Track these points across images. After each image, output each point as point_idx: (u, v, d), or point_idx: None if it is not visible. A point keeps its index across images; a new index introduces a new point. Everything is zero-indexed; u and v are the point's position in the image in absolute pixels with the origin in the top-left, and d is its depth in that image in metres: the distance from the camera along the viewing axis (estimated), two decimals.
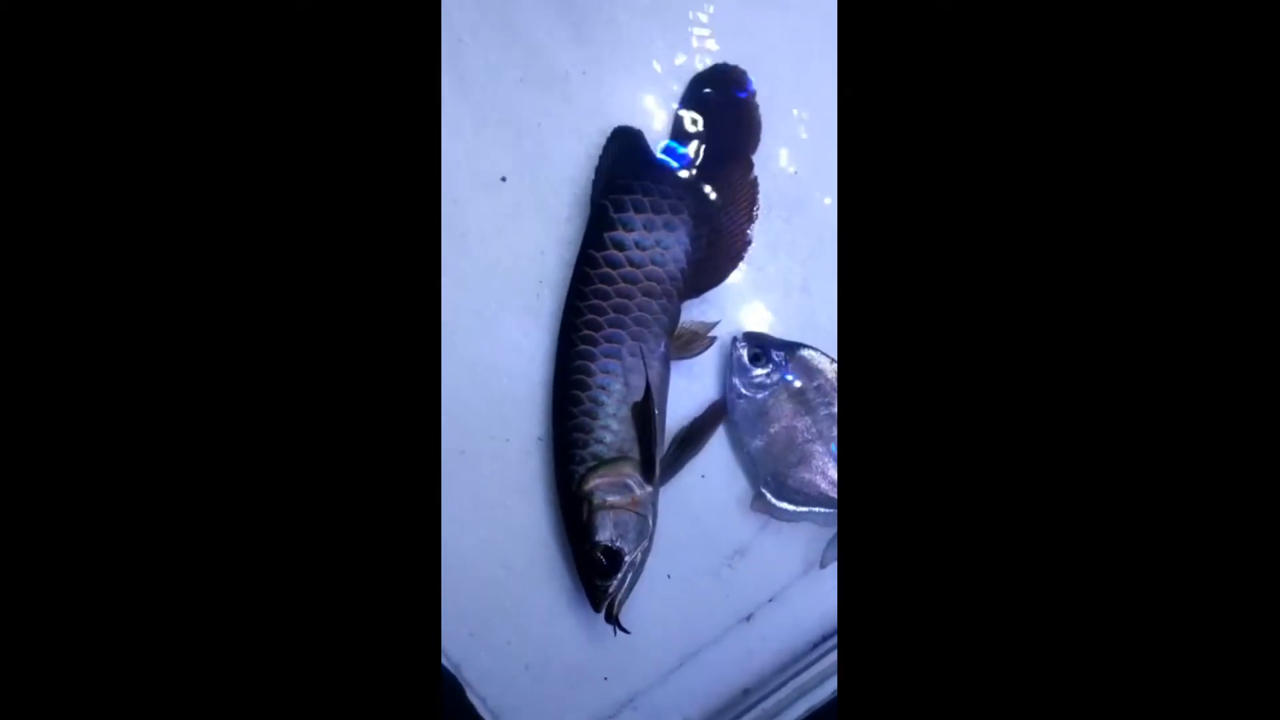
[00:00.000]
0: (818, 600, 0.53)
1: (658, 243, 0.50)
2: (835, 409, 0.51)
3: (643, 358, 0.49)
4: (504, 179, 0.53)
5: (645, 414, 0.49)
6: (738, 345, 0.51)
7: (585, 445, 0.49)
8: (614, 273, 0.50)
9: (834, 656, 0.50)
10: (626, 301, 0.50)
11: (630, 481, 0.49)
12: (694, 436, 0.51)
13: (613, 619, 0.49)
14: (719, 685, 0.52)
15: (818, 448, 0.51)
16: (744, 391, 0.51)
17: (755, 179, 0.52)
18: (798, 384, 0.51)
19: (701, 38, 0.54)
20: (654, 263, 0.50)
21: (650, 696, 0.52)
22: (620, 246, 0.50)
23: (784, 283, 0.54)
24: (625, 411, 0.49)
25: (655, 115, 0.53)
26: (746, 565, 0.53)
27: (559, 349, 0.51)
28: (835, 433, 0.51)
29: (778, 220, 0.54)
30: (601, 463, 0.49)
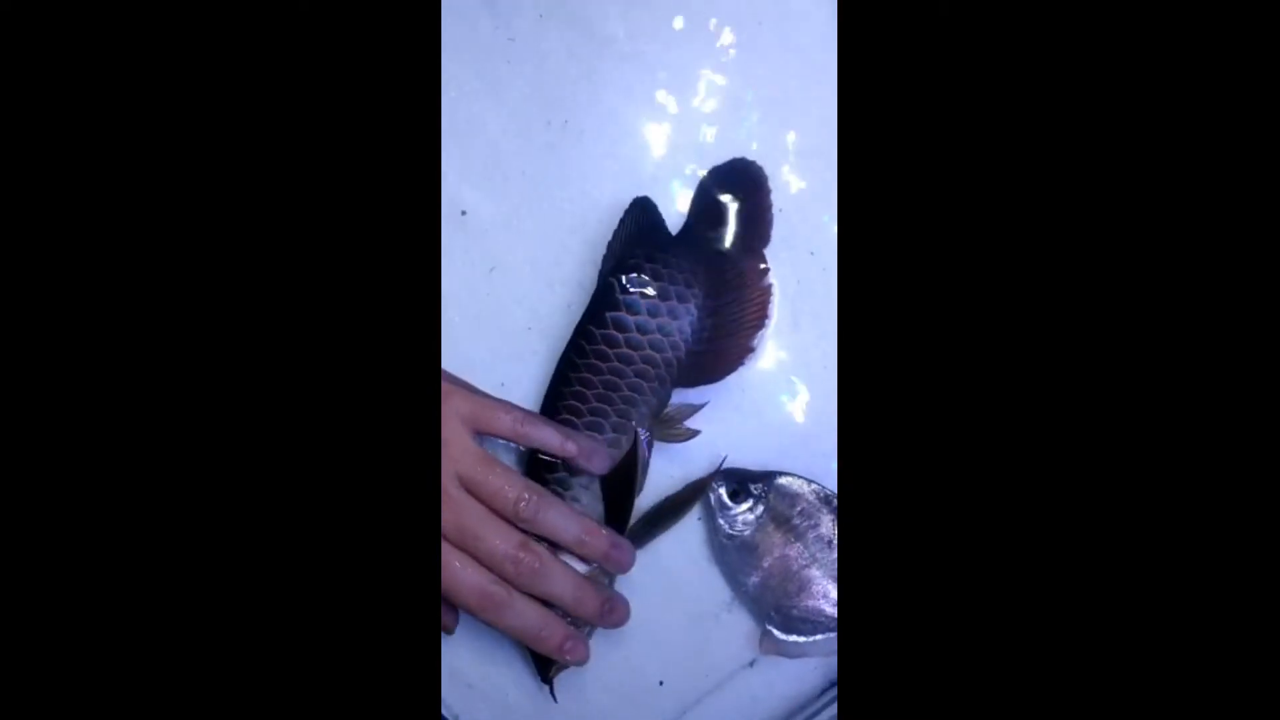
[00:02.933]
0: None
1: (659, 328, 0.48)
2: (822, 530, 0.49)
3: (625, 434, 0.49)
4: (464, 213, 0.52)
5: (616, 487, 0.48)
6: (715, 486, 0.49)
7: None
8: (610, 351, 0.49)
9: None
10: (617, 380, 0.49)
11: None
12: (663, 516, 0.50)
13: (548, 681, 0.49)
14: None
15: (815, 572, 0.50)
16: (730, 531, 0.49)
17: (770, 286, 0.50)
18: (782, 512, 0.49)
19: (681, 84, 0.53)
20: (652, 347, 0.49)
21: None
22: (621, 328, 0.48)
23: (774, 322, 0.51)
24: (597, 485, 0.49)
25: (637, 162, 0.53)
26: (746, 609, 0.51)
27: (543, 411, 0.50)
28: (830, 554, 0.49)
29: None
30: None
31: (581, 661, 0.47)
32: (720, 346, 0.49)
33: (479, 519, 0.45)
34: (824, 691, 0.51)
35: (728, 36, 0.53)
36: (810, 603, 0.49)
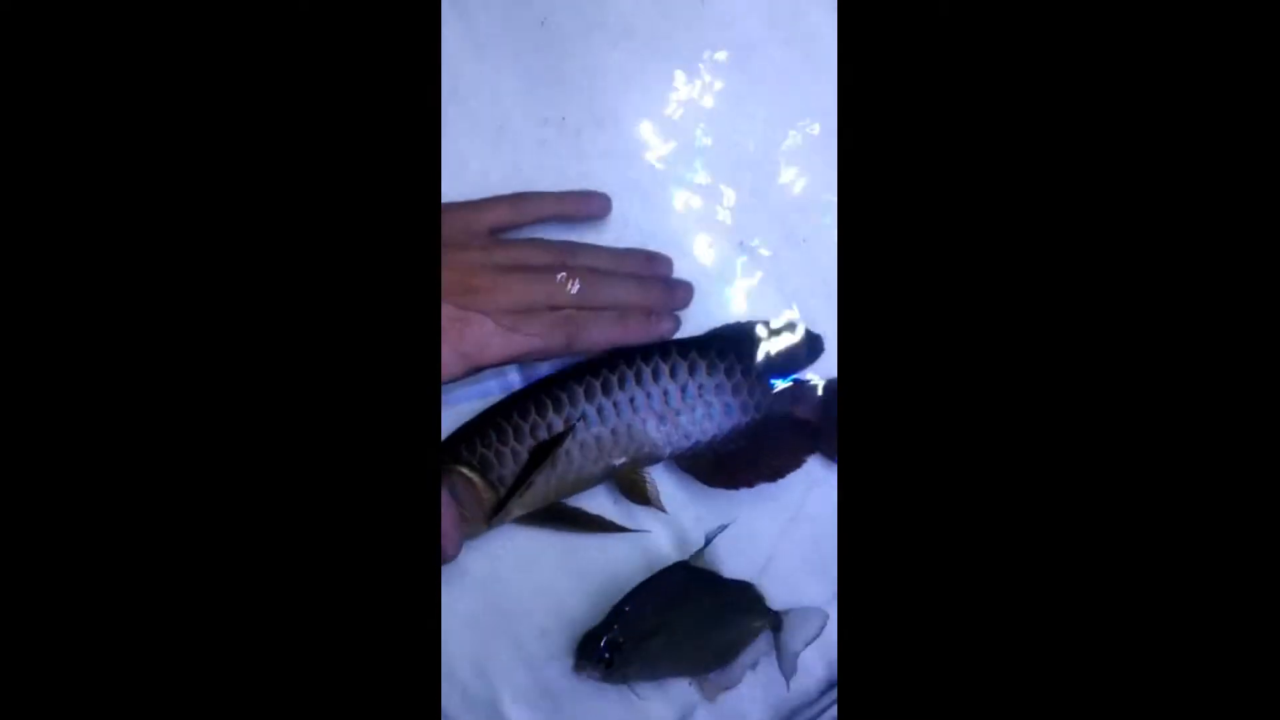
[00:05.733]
0: (823, 644, 0.51)
1: (685, 411, 0.49)
2: (702, 603, 0.48)
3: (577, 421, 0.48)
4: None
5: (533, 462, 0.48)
6: (585, 673, 0.48)
7: (490, 449, 0.48)
8: (645, 369, 0.49)
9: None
10: (639, 394, 0.48)
11: (483, 496, 0.48)
12: (563, 516, 0.50)
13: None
14: None
15: (711, 635, 0.49)
16: (624, 680, 0.49)
17: (771, 474, 0.49)
18: (648, 629, 0.48)
19: (681, 82, 0.52)
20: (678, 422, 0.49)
21: None
22: (674, 374, 0.48)
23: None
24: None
25: (633, 159, 0.52)
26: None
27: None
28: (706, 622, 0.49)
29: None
30: (477, 468, 0.48)
31: (672, 331, 0.48)
32: (710, 458, 0.49)
33: (523, 281, 0.45)
34: (823, 694, 0.51)
35: (728, 35, 0.52)
36: (718, 647, 0.49)
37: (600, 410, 0.48)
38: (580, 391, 0.48)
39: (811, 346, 0.50)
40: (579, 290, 0.46)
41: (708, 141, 0.52)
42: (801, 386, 0.50)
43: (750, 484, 0.49)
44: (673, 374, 0.48)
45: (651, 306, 0.48)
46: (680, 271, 0.51)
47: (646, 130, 0.52)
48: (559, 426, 0.48)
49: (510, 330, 0.44)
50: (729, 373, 0.49)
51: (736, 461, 0.49)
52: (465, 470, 0.48)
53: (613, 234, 0.51)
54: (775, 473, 0.49)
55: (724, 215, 0.52)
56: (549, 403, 0.48)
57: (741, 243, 0.52)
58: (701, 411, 0.49)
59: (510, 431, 0.48)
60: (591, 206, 0.50)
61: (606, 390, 0.48)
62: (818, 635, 0.49)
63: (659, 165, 0.52)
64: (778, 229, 0.52)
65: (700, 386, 0.49)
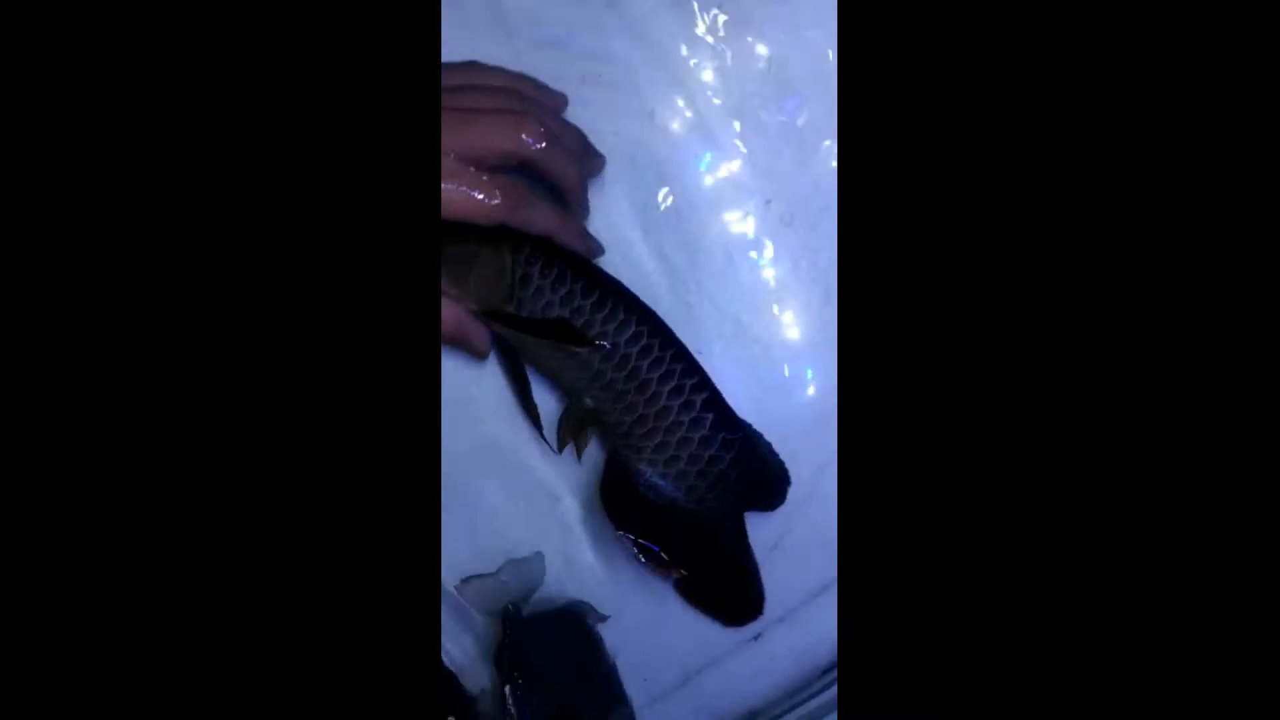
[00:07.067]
0: (832, 620, 0.50)
1: (661, 441, 0.47)
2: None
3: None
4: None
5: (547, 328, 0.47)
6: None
7: (544, 278, 0.47)
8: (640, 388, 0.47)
9: None
10: (641, 372, 0.46)
11: (501, 293, 0.46)
12: (518, 380, 0.49)
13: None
14: (725, 705, 0.52)
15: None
16: None
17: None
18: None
19: (702, 36, 0.51)
20: (671, 416, 0.46)
21: (652, 713, 0.52)
22: (683, 406, 0.47)
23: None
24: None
25: (650, 119, 0.51)
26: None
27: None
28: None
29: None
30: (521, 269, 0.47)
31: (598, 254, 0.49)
32: (634, 498, 0.48)
33: (470, 123, 0.43)
34: (825, 672, 0.51)
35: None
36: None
37: (624, 360, 0.46)
38: (632, 330, 0.46)
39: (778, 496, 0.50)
40: (537, 149, 0.43)
41: (739, 107, 0.52)
42: (726, 524, 0.49)
43: (628, 538, 0.47)
44: (684, 408, 0.47)
45: (575, 193, 0.47)
46: (706, 235, 0.51)
47: (663, 88, 0.51)
48: (596, 327, 0.46)
49: (450, 178, 0.42)
50: (713, 460, 0.47)
51: (646, 523, 0.47)
52: (510, 259, 0.46)
53: (640, 199, 0.51)
54: (640, 555, 0.47)
55: (753, 180, 0.51)
56: (606, 304, 0.46)
57: (770, 205, 0.51)
58: (668, 456, 0.47)
59: (564, 285, 0.46)
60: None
61: (645, 355, 0.46)
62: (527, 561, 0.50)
63: (689, 128, 0.52)
64: (807, 195, 0.51)
65: (684, 440, 0.46)
